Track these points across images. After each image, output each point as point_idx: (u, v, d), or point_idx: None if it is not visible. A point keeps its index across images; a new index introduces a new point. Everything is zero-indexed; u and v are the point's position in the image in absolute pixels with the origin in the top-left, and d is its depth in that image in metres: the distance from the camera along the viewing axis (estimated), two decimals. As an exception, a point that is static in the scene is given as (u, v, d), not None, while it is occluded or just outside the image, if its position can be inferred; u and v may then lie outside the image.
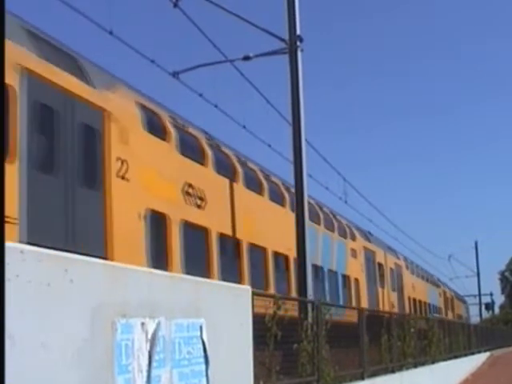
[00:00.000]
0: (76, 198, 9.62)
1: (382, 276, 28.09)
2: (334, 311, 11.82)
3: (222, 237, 13.82)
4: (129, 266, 5.25)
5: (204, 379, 5.79)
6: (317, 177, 21.18)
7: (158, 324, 5.07)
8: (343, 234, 23.71)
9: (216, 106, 15.64)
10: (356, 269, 24.15)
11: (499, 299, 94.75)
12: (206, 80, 16.50)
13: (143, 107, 11.95)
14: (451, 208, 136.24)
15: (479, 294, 71.59)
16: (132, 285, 4.88)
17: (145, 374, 4.88)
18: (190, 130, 13.91)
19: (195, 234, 12.86)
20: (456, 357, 24.62)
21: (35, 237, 8.52)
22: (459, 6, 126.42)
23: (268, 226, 16.10)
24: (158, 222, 11.54)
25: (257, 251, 15.37)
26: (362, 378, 12.75)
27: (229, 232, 14.18)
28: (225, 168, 14.79)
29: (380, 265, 28.06)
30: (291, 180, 13.99)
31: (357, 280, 23.94)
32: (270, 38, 13.99)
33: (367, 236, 28.19)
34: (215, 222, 13.64)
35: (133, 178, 10.78)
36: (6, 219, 7.60)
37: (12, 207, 8.33)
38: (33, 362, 3.84)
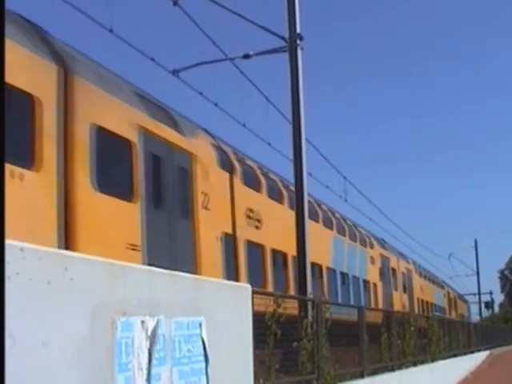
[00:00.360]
0: (176, 227, 12.04)
1: (395, 280, 31.03)
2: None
3: (274, 251, 16.59)
4: (128, 264, 5.24)
5: (204, 377, 5.79)
6: (317, 175, 21.19)
7: (158, 322, 5.07)
8: (363, 243, 26.58)
9: (216, 105, 15.61)
10: (374, 274, 27.16)
11: (499, 298, 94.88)
12: (206, 78, 16.48)
13: (215, 147, 14.56)
14: (451, 207, 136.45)
15: (479, 293, 71.70)
16: (132, 283, 4.88)
17: (145, 372, 4.88)
18: (248, 161, 16.68)
19: (255, 251, 15.54)
20: (456, 355, 24.63)
21: (152, 259, 10.53)
22: (459, 6, 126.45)
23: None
24: (229, 243, 14.12)
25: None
26: (362, 377, 12.75)
27: (278, 247, 16.83)
28: (274, 192, 17.57)
29: (393, 270, 31.03)
30: (291, 178, 13.97)
31: (375, 284, 26.94)
32: (270, 36, 13.97)
33: (383, 244, 30.87)
34: (269, 239, 16.33)
35: (212, 207, 13.36)
36: (134, 247, 10.48)
37: (137, 237, 10.63)
38: (33, 361, 3.84)
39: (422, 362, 18.59)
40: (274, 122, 18.09)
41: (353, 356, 13.06)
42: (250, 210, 15.44)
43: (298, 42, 13.57)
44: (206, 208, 13.03)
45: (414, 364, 17.51)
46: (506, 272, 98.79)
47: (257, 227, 15.68)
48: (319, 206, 21.75)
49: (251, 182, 16.01)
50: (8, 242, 3.58)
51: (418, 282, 37.61)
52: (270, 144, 18.57)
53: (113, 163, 10.69)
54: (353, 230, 25.59)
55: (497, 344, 43.54)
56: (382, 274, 28.32)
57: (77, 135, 9.48)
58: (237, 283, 9.80)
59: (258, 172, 16.93)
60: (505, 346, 47.79)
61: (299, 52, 13.57)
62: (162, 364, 5.12)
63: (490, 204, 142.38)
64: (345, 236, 23.88)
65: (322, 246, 18.76)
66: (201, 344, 5.73)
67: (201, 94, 15.34)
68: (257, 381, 7.52)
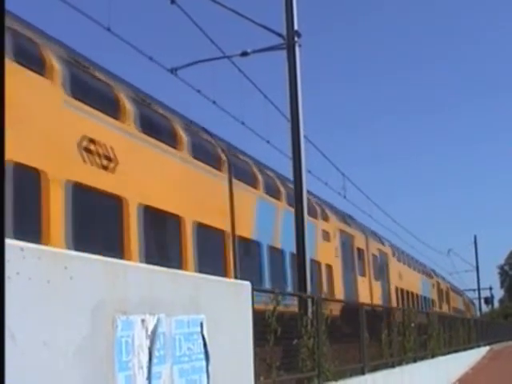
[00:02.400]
0: (384, 286, 29.74)
1: (442, 296, 49.51)
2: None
3: (407, 291, 34.45)
4: (128, 262, 5.24)
5: (204, 375, 5.79)
6: (316, 172, 21.25)
7: (159, 320, 5.06)
8: (429, 276, 44.96)
9: (214, 103, 15.60)
10: (435, 294, 45.98)
11: (498, 293, 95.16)
12: (204, 76, 16.47)
13: (390, 246, 33.14)
14: (451, 203, 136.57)
15: (478, 289, 71.95)
16: (132, 281, 4.87)
17: (145, 370, 4.88)
18: (395, 246, 34.87)
19: (403, 293, 32.67)
20: (456, 351, 24.65)
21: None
22: (459, 6, 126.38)
23: (408, 279, 35.82)
24: (398, 291, 31.86)
25: (409, 293, 35.37)
26: (363, 373, 12.76)
27: (409, 289, 35.09)
28: (405, 261, 35.04)
29: (442, 289, 49.89)
30: (290, 176, 13.95)
31: (434, 300, 45.23)
32: (267, 33, 13.92)
33: (435, 272, 48.93)
34: (406, 285, 34.25)
35: (392, 275, 31.25)
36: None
37: (369, 294, 26.87)
38: (34, 361, 3.83)
39: (422, 358, 18.60)
40: (273, 120, 18.07)
41: (353, 352, 13.06)
42: (399, 272, 33.02)
43: (296, 39, 13.52)
44: (389, 276, 30.23)
45: (414, 360, 17.52)
46: (506, 267, 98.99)
47: (401, 280, 32.92)
48: (407, 255, 38.47)
49: (399, 258, 34.05)
50: (8, 241, 3.58)
51: (452, 295, 56.94)
52: (268, 142, 18.55)
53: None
54: (426, 269, 44.31)
55: (497, 339, 43.64)
56: (438, 293, 47.05)
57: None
58: (237, 281, 9.78)
59: (399, 250, 34.92)
60: (505, 342, 47.91)
61: (297, 49, 13.53)
62: (162, 362, 5.12)
63: (489, 199, 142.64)
64: (423, 274, 42.11)
65: (418, 284, 38.88)
66: (201, 342, 5.73)
67: (199, 91, 15.32)
68: (257, 378, 7.52)
